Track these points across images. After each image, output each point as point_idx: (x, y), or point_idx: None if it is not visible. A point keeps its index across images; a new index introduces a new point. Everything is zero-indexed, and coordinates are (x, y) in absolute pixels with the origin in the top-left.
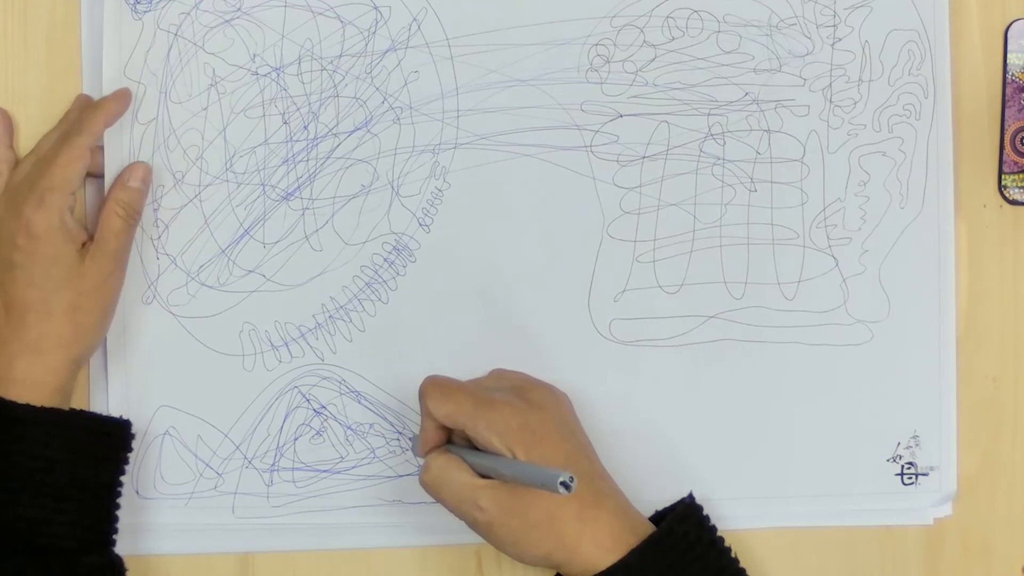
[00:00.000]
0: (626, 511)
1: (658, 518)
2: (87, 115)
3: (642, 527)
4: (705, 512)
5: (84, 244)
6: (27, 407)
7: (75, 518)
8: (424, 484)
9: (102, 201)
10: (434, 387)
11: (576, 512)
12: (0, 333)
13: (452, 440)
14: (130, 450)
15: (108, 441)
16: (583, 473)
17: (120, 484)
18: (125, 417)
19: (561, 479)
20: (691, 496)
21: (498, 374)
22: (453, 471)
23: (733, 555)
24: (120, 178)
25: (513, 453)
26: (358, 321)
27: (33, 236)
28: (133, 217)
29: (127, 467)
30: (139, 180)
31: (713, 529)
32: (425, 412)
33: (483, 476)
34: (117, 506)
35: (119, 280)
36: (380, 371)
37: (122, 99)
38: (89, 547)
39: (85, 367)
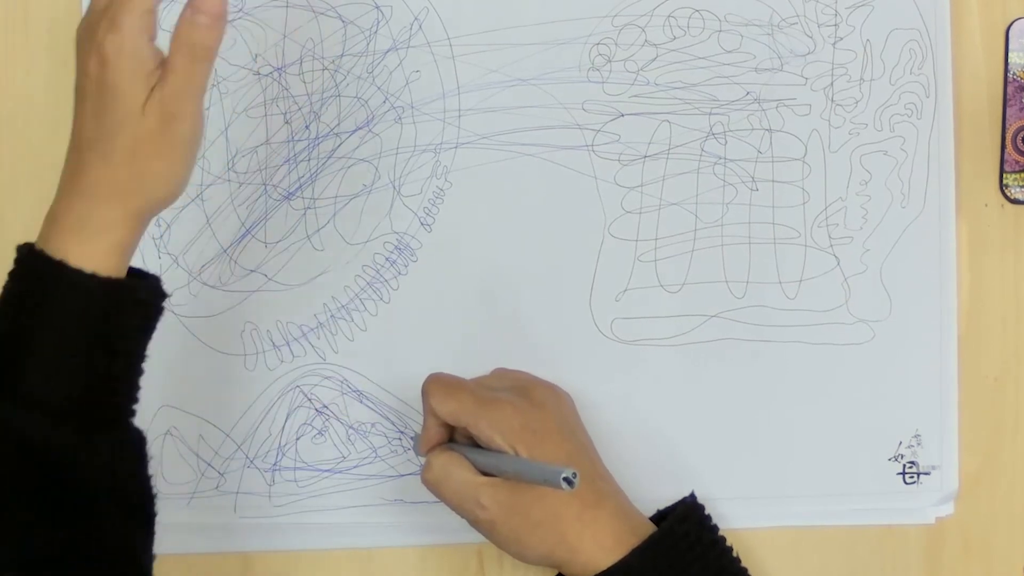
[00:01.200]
0: (627, 511)
1: (659, 518)
2: None
3: (643, 527)
4: (707, 512)
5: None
6: (78, 272)
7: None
8: (426, 482)
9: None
10: (437, 385)
11: (577, 512)
12: (63, 177)
13: (454, 439)
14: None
15: (147, 310)
16: (585, 473)
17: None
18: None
19: (564, 475)
20: (692, 496)
21: (500, 373)
22: (455, 469)
23: (735, 554)
24: (184, 13)
25: (515, 451)
26: (360, 320)
27: (103, 61)
28: (199, 56)
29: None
30: (205, 14)
31: (714, 529)
32: (428, 410)
33: (486, 474)
34: (141, 371)
35: (188, 129)
36: (382, 370)
37: None
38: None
39: None
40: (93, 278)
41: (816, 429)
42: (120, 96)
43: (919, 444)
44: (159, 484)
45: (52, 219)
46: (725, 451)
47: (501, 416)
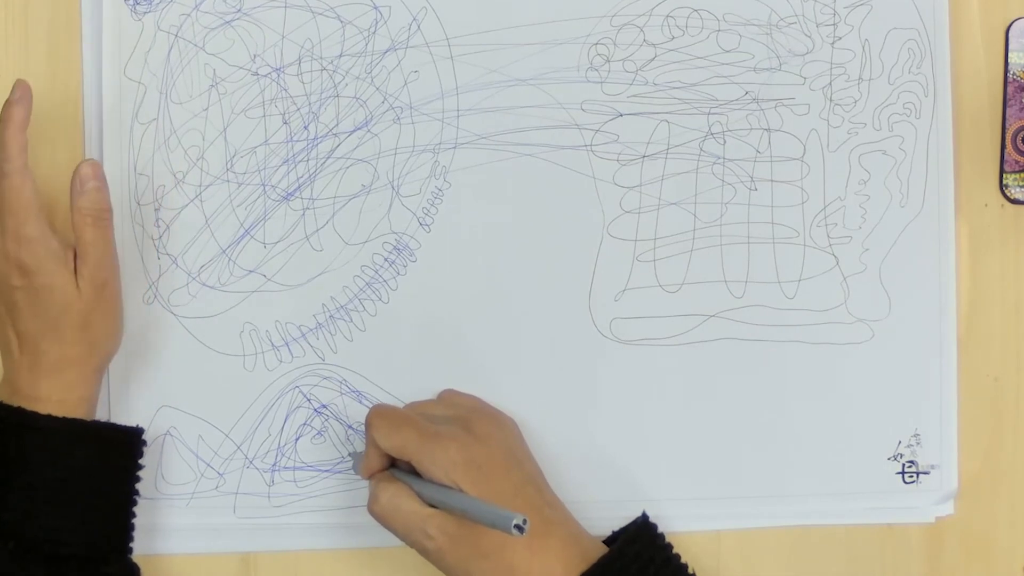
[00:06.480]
0: (577, 537)
1: (612, 540)
2: (3, 132)
3: (593, 551)
4: (660, 530)
5: (74, 258)
6: (48, 417)
7: (96, 527)
8: (374, 514)
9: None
10: (381, 419)
11: (526, 542)
12: (20, 361)
13: (396, 464)
14: (142, 456)
15: (127, 450)
16: (532, 503)
17: (136, 492)
18: (139, 425)
19: (515, 522)
20: (644, 515)
21: (447, 398)
22: (402, 501)
23: (691, 571)
24: (74, 186)
25: (460, 488)
26: (359, 321)
27: (26, 271)
28: (103, 218)
29: (141, 474)
30: (92, 179)
31: (668, 547)
32: (370, 441)
33: (432, 505)
34: (133, 515)
35: (116, 284)
36: (381, 370)
37: (23, 95)
38: (108, 556)
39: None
40: (51, 419)
41: (815, 428)
42: (55, 290)
43: (918, 443)
44: (159, 485)
45: (15, 392)
46: (724, 451)
47: (444, 453)
